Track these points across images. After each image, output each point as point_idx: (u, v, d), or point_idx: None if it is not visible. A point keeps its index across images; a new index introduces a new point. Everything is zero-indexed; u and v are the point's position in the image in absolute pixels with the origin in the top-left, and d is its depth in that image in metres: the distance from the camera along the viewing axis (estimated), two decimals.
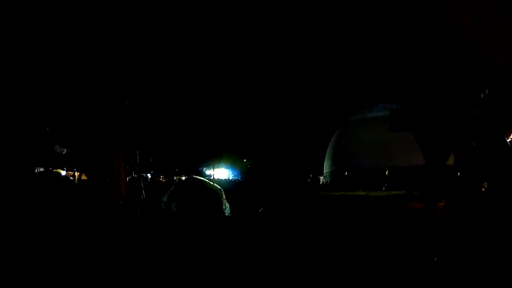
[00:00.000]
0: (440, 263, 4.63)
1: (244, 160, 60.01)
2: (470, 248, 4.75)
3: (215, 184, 12.88)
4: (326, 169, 51.69)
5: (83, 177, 22.24)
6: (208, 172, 47.48)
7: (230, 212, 12.51)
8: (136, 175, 7.83)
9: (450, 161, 5.90)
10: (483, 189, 5.79)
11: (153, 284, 4.81)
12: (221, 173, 53.19)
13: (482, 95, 4.63)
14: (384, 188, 26.79)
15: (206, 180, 13.39)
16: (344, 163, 44.93)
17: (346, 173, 40.00)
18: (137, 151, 7.98)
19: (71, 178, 26.48)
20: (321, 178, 55.02)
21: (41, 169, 25.32)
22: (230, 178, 51.33)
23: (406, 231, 8.07)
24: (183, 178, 41.36)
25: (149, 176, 47.93)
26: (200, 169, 46.21)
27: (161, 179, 54.67)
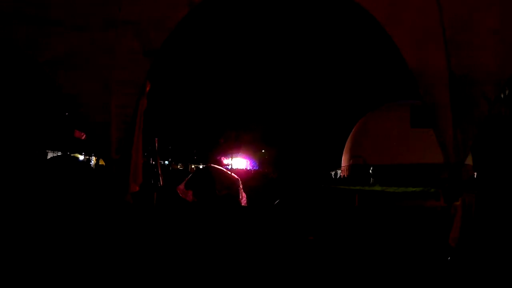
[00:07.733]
0: (454, 262, 4.62)
1: (263, 151, 60.07)
2: (486, 247, 4.73)
3: (232, 174, 12.91)
4: (343, 163, 51.59)
5: (101, 162, 22.43)
6: (226, 161, 47.58)
7: (247, 203, 12.55)
8: (154, 162, 7.91)
9: (469, 160, 5.86)
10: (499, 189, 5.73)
11: (167, 268, 4.88)
12: (239, 163, 53.15)
13: (502, 96, 4.58)
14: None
15: (224, 169, 13.43)
16: (362, 157, 44.76)
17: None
18: (156, 138, 8.05)
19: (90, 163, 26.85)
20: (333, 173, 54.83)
21: (59, 153, 25.73)
22: (248, 168, 51.32)
23: (421, 229, 8.02)
24: (201, 166, 41.58)
25: (167, 163, 48.30)
26: (218, 158, 46.28)
27: (178, 166, 55.05)
